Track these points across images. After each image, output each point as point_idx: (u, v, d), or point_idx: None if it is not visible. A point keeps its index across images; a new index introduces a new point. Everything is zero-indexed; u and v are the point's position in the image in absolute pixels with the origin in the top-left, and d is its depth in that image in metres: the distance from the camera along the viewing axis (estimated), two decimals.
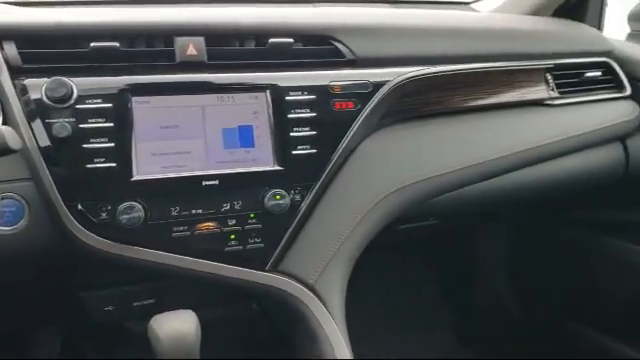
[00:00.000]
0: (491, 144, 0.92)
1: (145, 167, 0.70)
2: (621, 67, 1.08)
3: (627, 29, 1.25)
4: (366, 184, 0.82)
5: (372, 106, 0.81)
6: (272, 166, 0.75)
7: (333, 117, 0.78)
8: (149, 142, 0.71)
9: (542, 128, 0.97)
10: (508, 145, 0.93)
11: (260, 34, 0.79)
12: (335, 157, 0.78)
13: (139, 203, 0.69)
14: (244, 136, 0.75)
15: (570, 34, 1.10)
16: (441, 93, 0.90)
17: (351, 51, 0.83)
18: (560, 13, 1.14)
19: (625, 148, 1.08)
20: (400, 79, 0.84)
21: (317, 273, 0.77)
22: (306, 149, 0.76)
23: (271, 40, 0.78)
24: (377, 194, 0.82)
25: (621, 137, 1.07)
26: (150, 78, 0.72)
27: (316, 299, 0.76)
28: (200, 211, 0.72)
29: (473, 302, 1.48)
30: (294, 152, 0.75)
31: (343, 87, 0.79)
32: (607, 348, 1.19)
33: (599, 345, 1.21)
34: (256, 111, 0.76)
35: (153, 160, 0.71)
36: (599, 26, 1.20)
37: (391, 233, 0.93)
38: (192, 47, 0.75)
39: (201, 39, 0.75)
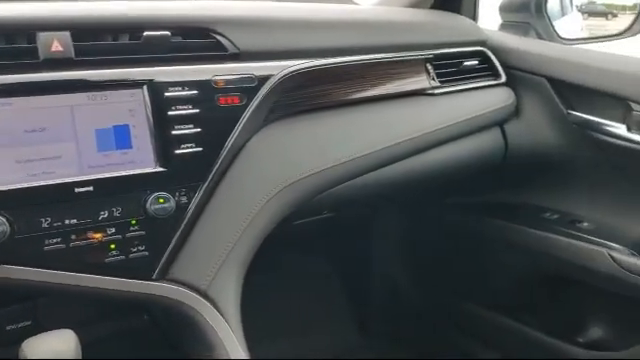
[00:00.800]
0: (378, 135, 0.93)
1: (8, 176, 0.63)
2: (496, 56, 1.14)
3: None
4: (256, 182, 0.79)
5: (258, 101, 0.79)
6: (153, 167, 0.70)
7: (218, 113, 0.75)
8: (12, 148, 0.64)
9: (425, 116, 1.00)
10: (394, 135, 0.94)
11: (133, 27, 0.74)
12: (222, 155, 0.75)
13: (3, 216, 0.62)
14: (120, 137, 0.69)
15: (447, 25, 1.14)
16: (326, 86, 0.90)
17: (234, 44, 0.80)
18: (438, 5, 1.17)
19: (504, 133, 1.13)
20: (285, 72, 0.82)
21: (209, 278, 0.74)
22: (190, 148, 0.72)
23: (146, 33, 0.73)
24: (268, 191, 0.80)
25: (499, 123, 1.13)
26: (11, 78, 0.64)
27: (209, 305, 0.72)
28: (75, 221, 0.66)
29: (373, 292, 1.50)
30: (177, 151, 0.71)
31: (227, 82, 0.76)
32: (501, 326, 1.24)
33: (493, 323, 1.26)
34: (132, 109, 0.70)
35: (17, 168, 0.64)
36: (474, 17, 1.25)
37: (286, 230, 0.91)
38: (57, 43, 0.69)
39: (67, 34, 0.69)
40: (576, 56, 1.11)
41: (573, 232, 1.09)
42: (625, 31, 1.27)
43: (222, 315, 0.72)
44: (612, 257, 1.00)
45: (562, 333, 1.15)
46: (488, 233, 1.21)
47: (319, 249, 1.53)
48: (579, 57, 1.10)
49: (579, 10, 1.49)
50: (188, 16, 0.80)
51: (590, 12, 1.51)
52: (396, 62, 0.99)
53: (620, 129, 1.02)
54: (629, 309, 1.05)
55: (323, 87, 0.89)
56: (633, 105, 0.99)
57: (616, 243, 1.03)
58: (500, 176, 1.17)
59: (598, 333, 1.13)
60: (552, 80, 1.10)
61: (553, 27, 1.26)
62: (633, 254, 1.01)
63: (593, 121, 1.05)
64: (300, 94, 0.86)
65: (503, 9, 1.29)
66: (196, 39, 0.78)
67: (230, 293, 0.75)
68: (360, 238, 1.49)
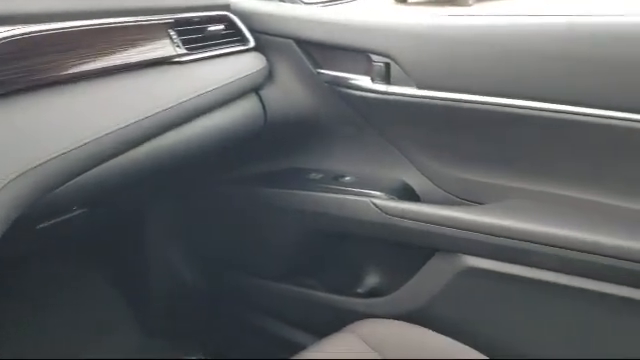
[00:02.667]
0: (122, 110, 0.82)
1: None
2: (242, 21, 1.10)
3: None
4: None
5: None
6: None
7: None
8: None
9: (175, 87, 0.92)
10: (142, 109, 0.85)
11: None
12: None
13: None
14: None
15: None
16: (49, 57, 0.76)
17: None
18: None
19: (261, 99, 1.11)
20: None
21: None
22: None
23: None
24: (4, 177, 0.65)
25: (255, 89, 1.10)
26: None
27: None
28: None
29: (153, 290, 1.39)
30: None
31: None
32: (288, 294, 1.24)
33: (279, 293, 1.25)
34: None
35: None
36: None
37: (35, 235, 0.76)
38: None
39: None
40: (320, 15, 1.12)
41: (338, 187, 1.11)
42: None
43: None
44: (375, 204, 1.05)
45: (344, 288, 1.18)
46: (261, 203, 1.19)
47: (90, 253, 1.38)
48: (322, 16, 1.12)
49: None
50: None
51: None
52: (132, 28, 0.89)
53: (365, 81, 1.06)
54: (396, 252, 1.11)
55: (44, 59, 0.76)
56: (373, 57, 1.04)
57: (377, 191, 1.08)
58: (264, 143, 1.15)
59: (375, 280, 1.18)
60: (299, 41, 1.10)
61: None
62: (392, 198, 1.06)
63: (341, 77, 1.08)
64: (13, 69, 0.72)
65: None
66: None
67: None
68: (129, 234, 1.36)
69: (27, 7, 0.76)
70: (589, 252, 0.87)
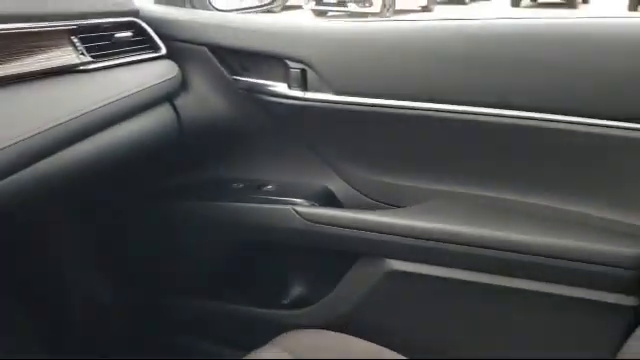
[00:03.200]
0: (25, 120, 0.77)
1: None
2: (153, 27, 1.06)
3: None
4: None
5: None
6: None
7: None
8: None
9: (78, 96, 0.87)
10: (43, 120, 0.79)
11: None
12: None
13: None
14: None
15: None
16: None
17: None
18: None
19: (174, 108, 1.07)
20: None
21: None
22: None
23: None
24: None
25: (167, 98, 1.06)
26: None
27: None
28: None
29: (69, 309, 1.31)
30: None
31: None
32: (214, 310, 1.19)
33: (204, 309, 1.20)
34: None
35: None
36: None
37: None
38: None
39: None
40: (234, 22, 1.10)
41: (259, 196, 1.09)
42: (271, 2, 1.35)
43: None
44: (296, 211, 1.03)
45: (269, 300, 1.15)
46: (179, 216, 1.14)
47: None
48: (237, 22, 1.10)
49: None
50: None
51: None
52: (31, 34, 0.84)
53: (282, 88, 1.04)
54: (321, 260, 1.10)
55: None
56: (289, 63, 1.03)
57: (299, 198, 1.07)
58: (181, 154, 1.11)
59: (300, 290, 1.17)
60: (213, 48, 1.07)
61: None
62: (314, 205, 1.05)
63: (258, 84, 1.06)
64: None
65: None
66: None
67: None
68: (41, 252, 1.27)
69: None
70: (502, 249, 0.90)
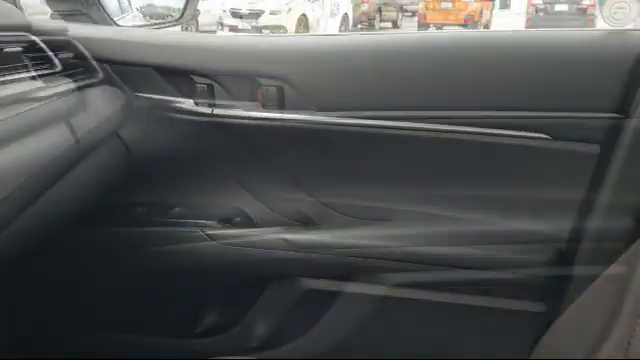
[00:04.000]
0: None
1: None
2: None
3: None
4: None
5: None
6: None
7: None
8: None
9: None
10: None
11: None
12: None
13: None
14: None
15: None
16: None
17: None
18: None
19: (121, 139, 1.00)
20: None
21: None
22: None
23: None
24: None
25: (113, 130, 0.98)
26: None
27: None
28: None
29: None
30: None
31: None
32: (124, 343, 1.12)
33: (114, 343, 1.12)
34: None
35: None
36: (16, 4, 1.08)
37: None
38: None
39: None
40: (130, 36, 1.05)
41: (168, 220, 1.04)
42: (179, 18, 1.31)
43: None
44: (207, 234, 0.99)
45: (182, 330, 1.09)
46: (78, 245, 1.06)
47: None
48: (133, 36, 1.05)
49: (140, 12, 1.48)
50: None
51: (151, 14, 1.51)
52: None
53: (187, 104, 1.00)
54: (233, 284, 1.06)
55: None
56: (195, 78, 0.99)
57: (210, 220, 1.02)
58: (127, 195, 1.04)
59: (214, 317, 1.11)
60: (160, 68, 1.00)
61: (108, 14, 1.19)
62: (226, 226, 1.01)
63: (161, 100, 1.01)
64: None
65: None
66: None
67: None
68: None
69: None
70: (409, 262, 0.90)
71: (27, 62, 0.95)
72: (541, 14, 12.80)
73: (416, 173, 0.99)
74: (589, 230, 0.88)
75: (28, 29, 0.97)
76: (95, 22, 1.16)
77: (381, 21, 13.71)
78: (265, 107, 0.98)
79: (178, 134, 1.03)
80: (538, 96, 0.89)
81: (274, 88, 0.97)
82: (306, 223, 1.03)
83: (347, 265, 0.92)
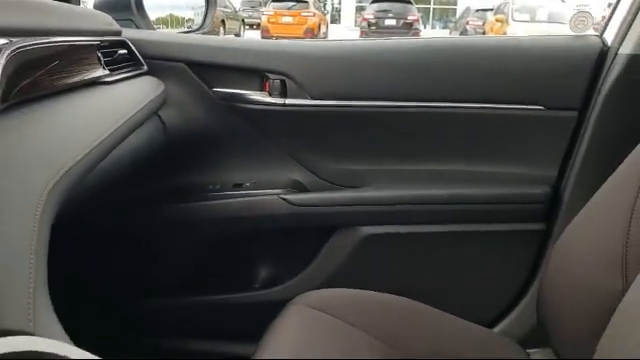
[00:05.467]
0: (103, 119, 0.85)
1: None
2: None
3: None
4: (23, 182, 0.62)
5: None
6: None
7: None
8: None
9: (113, 104, 0.95)
10: (100, 129, 0.87)
11: None
12: None
13: None
14: None
15: (87, 13, 1.09)
16: (45, 70, 0.76)
17: None
18: None
19: (161, 119, 1.18)
20: (12, 50, 0.67)
21: (29, 319, 0.55)
22: None
23: None
24: (41, 191, 0.64)
25: (156, 110, 1.16)
26: None
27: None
28: None
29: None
30: None
31: None
32: (198, 306, 1.29)
33: (187, 306, 1.29)
34: None
35: None
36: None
37: None
38: None
39: None
40: (211, 41, 1.26)
41: (239, 193, 1.25)
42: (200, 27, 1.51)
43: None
44: (283, 198, 1.22)
45: (254, 285, 1.30)
46: (164, 219, 1.23)
47: None
48: (215, 42, 1.25)
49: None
50: None
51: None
52: (76, 47, 0.91)
53: (261, 96, 1.23)
54: (297, 238, 1.30)
55: (43, 71, 0.75)
56: (270, 75, 1.22)
57: (278, 189, 1.25)
58: (163, 162, 1.21)
59: (278, 270, 1.33)
60: (191, 64, 1.21)
61: (150, 21, 1.37)
62: (295, 191, 1.25)
63: (237, 94, 1.23)
64: (31, 75, 0.71)
65: (100, 8, 1.30)
66: None
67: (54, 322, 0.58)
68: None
69: (25, 23, 0.75)
70: (439, 203, 1.23)
71: (123, 63, 1.12)
72: (373, 28, 14.03)
73: (392, 149, 1.29)
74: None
75: (120, 34, 1.15)
76: (139, 27, 1.33)
77: (225, 33, 13.98)
78: (271, 95, 1.25)
79: (249, 122, 1.25)
80: (504, 91, 1.24)
81: (278, 81, 1.24)
82: (348, 186, 1.30)
83: (395, 212, 1.22)
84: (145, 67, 1.17)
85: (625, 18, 1.15)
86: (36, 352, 0.52)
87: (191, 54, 1.22)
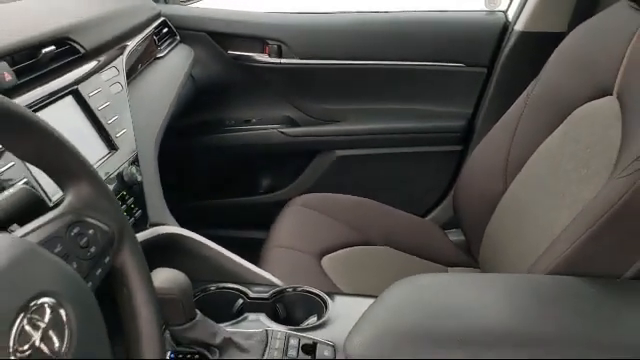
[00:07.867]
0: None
1: None
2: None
3: None
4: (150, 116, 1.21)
5: None
6: None
7: None
8: None
9: (176, 74, 1.45)
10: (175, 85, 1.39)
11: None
12: None
13: None
14: None
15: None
16: None
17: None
18: None
19: (191, 75, 1.65)
20: None
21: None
22: None
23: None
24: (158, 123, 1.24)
25: (190, 71, 1.63)
26: None
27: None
28: None
29: None
30: None
31: None
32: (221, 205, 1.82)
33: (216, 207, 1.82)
34: None
35: None
36: None
37: None
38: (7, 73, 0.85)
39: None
40: (226, 15, 1.71)
41: (249, 127, 1.75)
42: None
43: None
44: (280, 131, 1.72)
45: (259, 191, 1.84)
46: (202, 145, 1.75)
47: None
48: (228, 15, 1.70)
49: None
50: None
51: None
52: (149, 36, 1.38)
53: (263, 57, 1.69)
54: (289, 160, 1.81)
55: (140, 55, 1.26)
56: (269, 41, 1.68)
57: (275, 124, 1.75)
58: (195, 105, 1.69)
59: (276, 181, 1.86)
60: (210, 33, 1.66)
61: None
62: (288, 126, 1.75)
63: (245, 55, 1.69)
64: (135, 62, 1.22)
65: None
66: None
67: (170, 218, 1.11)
68: None
69: None
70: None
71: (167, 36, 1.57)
72: None
73: (359, 94, 1.76)
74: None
75: (159, 15, 1.58)
76: (167, 3, 1.76)
77: None
78: (270, 56, 1.71)
79: (255, 76, 1.72)
80: (436, 52, 1.71)
81: (275, 46, 1.69)
82: (330, 121, 1.79)
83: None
84: (178, 37, 1.61)
85: None
86: (174, 234, 1.05)
87: (210, 26, 1.67)
